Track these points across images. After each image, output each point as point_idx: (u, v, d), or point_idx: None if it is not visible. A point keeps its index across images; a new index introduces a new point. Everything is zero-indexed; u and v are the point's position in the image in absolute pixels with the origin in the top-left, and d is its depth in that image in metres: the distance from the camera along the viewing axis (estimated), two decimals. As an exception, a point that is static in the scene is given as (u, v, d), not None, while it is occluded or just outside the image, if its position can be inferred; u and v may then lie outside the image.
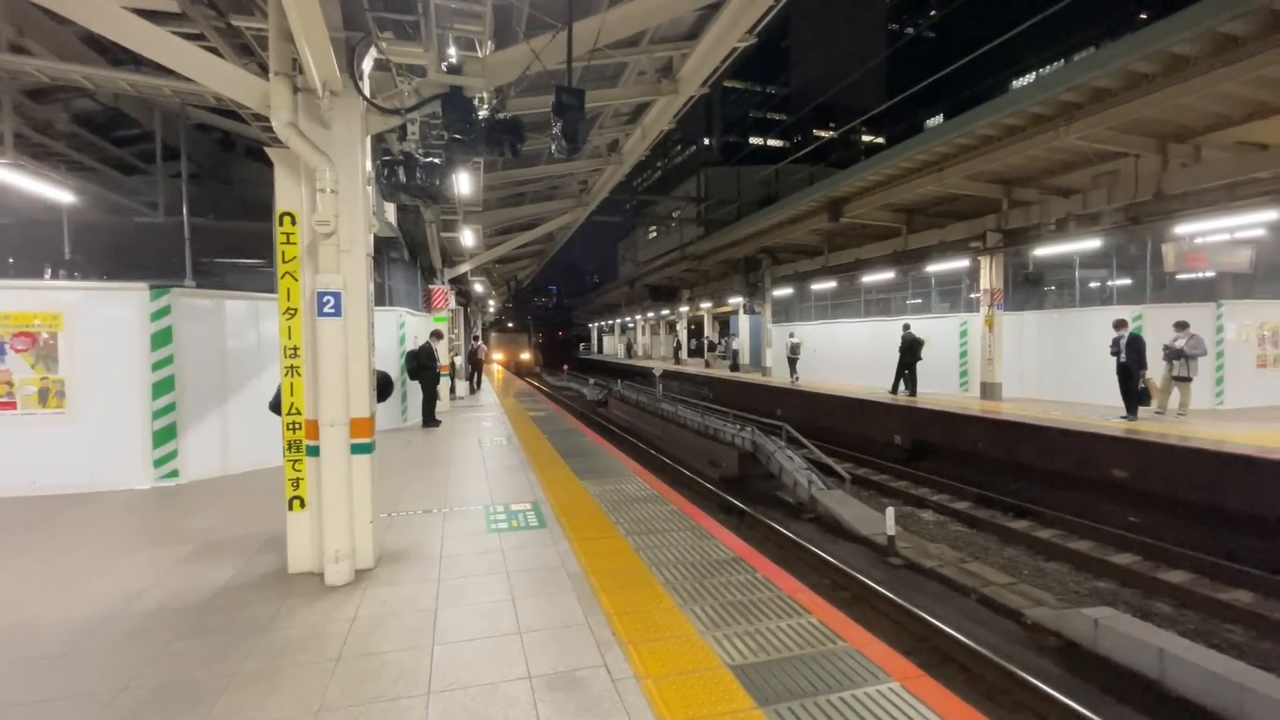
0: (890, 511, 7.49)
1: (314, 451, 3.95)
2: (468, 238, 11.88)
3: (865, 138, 64.60)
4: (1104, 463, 8.93)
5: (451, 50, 4.20)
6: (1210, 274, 12.11)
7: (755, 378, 21.40)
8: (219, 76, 3.86)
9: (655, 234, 55.44)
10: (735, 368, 24.71)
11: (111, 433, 6.41)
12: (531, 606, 3.53)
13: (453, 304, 15.39)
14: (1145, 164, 9.97)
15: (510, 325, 50.14)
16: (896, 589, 6.23)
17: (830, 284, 18.84)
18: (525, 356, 46.44)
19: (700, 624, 3.27)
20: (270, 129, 3.96)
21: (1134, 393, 10.02)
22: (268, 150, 3.97)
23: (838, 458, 11.73)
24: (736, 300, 24.22)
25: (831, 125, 63.53)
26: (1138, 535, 7.63)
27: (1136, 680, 4.65)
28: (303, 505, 4.02)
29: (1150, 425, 9.44)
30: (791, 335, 19.31)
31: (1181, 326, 10.08)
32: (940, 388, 14.94)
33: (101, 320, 6.46)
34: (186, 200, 7.66)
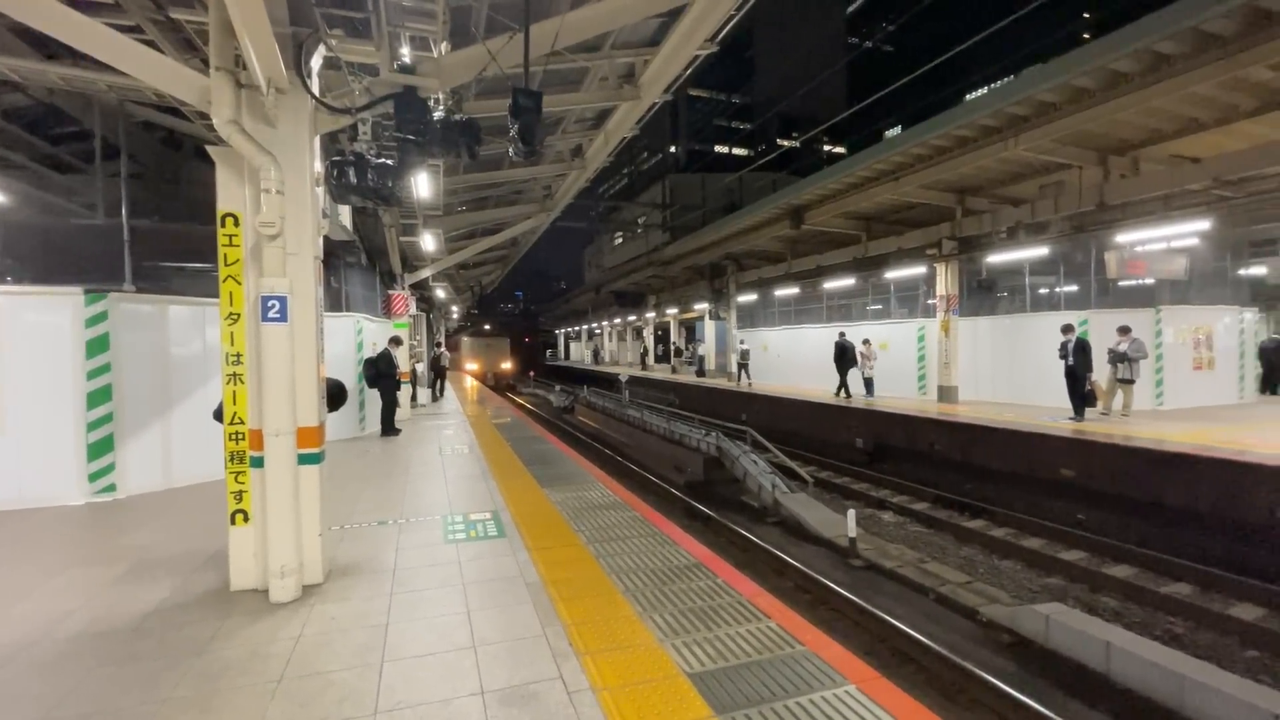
0: (851, 514, 7.59)
1: (258, 463, 3.78)
2: (428, 242, 11.66)
3: (826, 147, 66.05)
4: (1053, 463, 9.23)
5: (405, 49, 4.11)
6: (1150, 281, 12.69)
7: (720, 383, 21.54)
8: (157, 71, 3.69)
9: (621, 240, 55.51)
10: (701, 373, 24.85)
11: (43, 445, 6.05)
12: (488, 619, 3.44)
13: (413, 310, 15.08)
14: (1088, 175, 10.40)
15: (488, 328, 44.69)
16: (858, 590, 6.31)
17: (793, 290, 19.14)
18: (506, 366, 39.78)
19: (660, 632, 3.23)
20: (214, 126, 3.79)
21: (1081, 395, 10.41)
22: (209, 149, 3.81)
23: (801, 461, 11.87)
24: (702, 306, 24.39)
25: (793, 134, 64.76)
26: (1085, 532, 7.90)
27: (1085, 674, 4.79)
28: (246, 519, 3.84)
29: (1096, 426, 9.81)
30: (742, 342, 20.43)
31: (1124, 331, 10.53)
32: (899, 391, 15.28)
33: (32, 326, 6.10)
34: (127, 201, 7.31)
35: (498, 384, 36.10)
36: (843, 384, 15.12)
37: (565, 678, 2.80)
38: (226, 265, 3.80)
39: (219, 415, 4.40)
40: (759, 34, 66.30)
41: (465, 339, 41.09)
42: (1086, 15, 57.19)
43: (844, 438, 13.59)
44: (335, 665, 2.95)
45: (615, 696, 2.65)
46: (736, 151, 66.52)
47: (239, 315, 3.82)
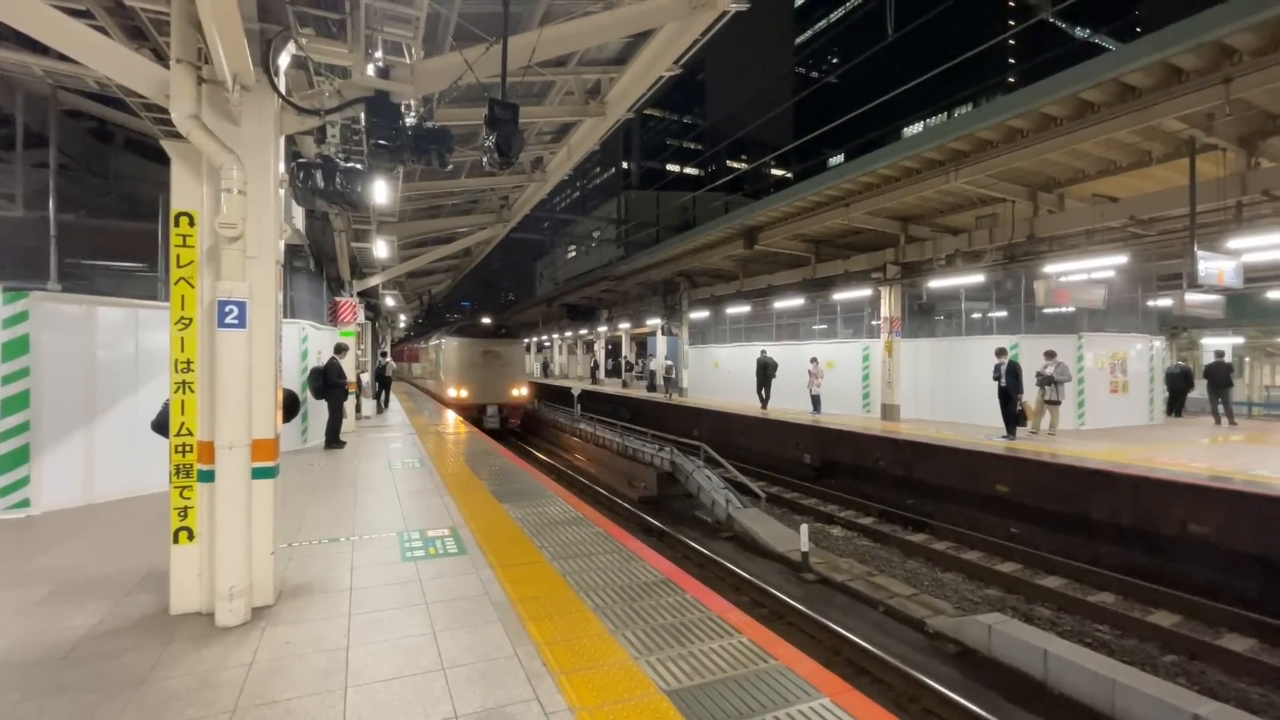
0: (804, 529, 7.77)
1: (207, 476, 3.56)
2: (381, 249, 11.33)
3: (776, 171, 68.24)
4: (988, 479, 9.74)
5: (379, 53, 4.02)
6: (1072, 309, 13.63)
7: (672, 398, 21.70)
8: (109, 59, 3.48)
9: (575, 254, 55.42)
10: (652, 388, 24.97)
11: (-57, 457, 5.50)
12: (455, 639, 3.33)
13: (361, 318, 14.58)
14: (1020, 209, 11.15)
15: (487, 321, 23.48)
16: (812, 604, 6.45)
17: (745, 308, 19.55)
18: (519, 393, 19.68)
19: (633, 649, 3.21)
20: (165, 121, 3.61)
21: (1012, 414, 11.04)
22: (164, 144, 3.61)
23: (752, 476, 12.07)
24: (655, 321, 24.56)
25: (744, 157, 66.64)
26: (1019, 545, 8.35)
27: (1026, 681, 5.04)
28: (191, 537, 3.60)
29: (1026, 444, 10.41)
30: (667, 358, 23.75)
31: (1050, 355, 11.26)
32: (845, 409, 15.79)
33: (-64, 326, 5.56)
34: (54, 194, 6.81)
35: (505, 427, 18.81)
36: (763, 397, 17.08)
37: (541, 699, 2.75)
38: (179, 267, 3.59)
39: (159, 427, 4.14)
40: (711, 59, 68.12)
41: (451, 343, 19.52)
42: (1012, 61, 61.56)
43: (792, 453, 13.91)
44: (294, 692, 2.79)
45: (594, 717, 2.61)
46: (690, 171, 67.83)
47: (191, 320, 3.61)
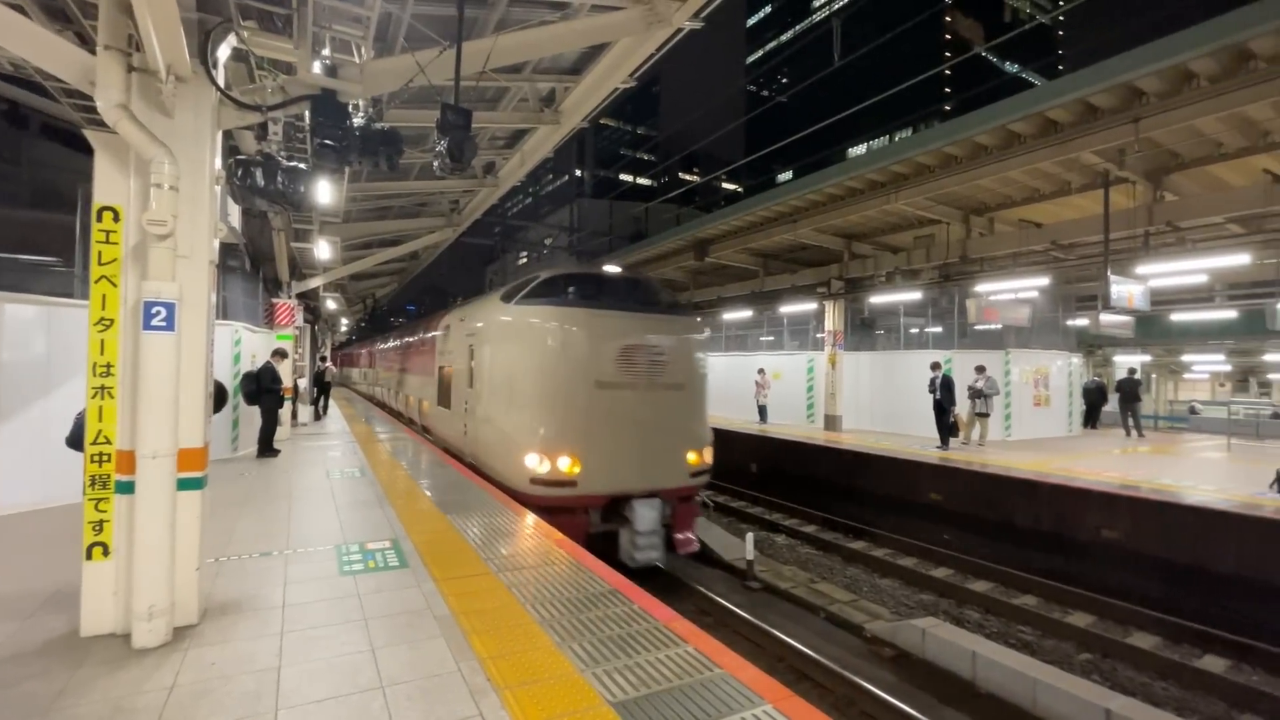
0: (750, 537, 7.90)
1: (126, 488, 3.34)
2: (323, 250, 10.92)
3: (728, 185, 69.64)
4: (923, 487, 10.17)
5: (326, 51, 3.91)
6: (1000, 326, 14.45)
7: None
8: (26, 40, 3.26)
9: (526, 260, 54.93)
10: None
11: None
12: (395, 656, 3.23)
13: (300, 321, 14.00)
14: (954, 231, 11.75)
15: (614, 273, 9.21)
16: (756, 611, 6.56)
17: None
18: (701, 460, 7.58)
19: (580, 661, 3.19)
20: (88, 108, 3.40)
21: (946, 426, 11.58)
22: (87, 133, 3.39)
23: (701, 486, 12.16)
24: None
25: (697, 170, 67.75)
26: (951, 551, 8.74)
27: (956, 682, 5.27)
28: (106, 553, 3.36)
29: (958, 454, 10.93)
30: None
31: (980, 370, 11.89)
32: (790, 419, 16.18)
33: None
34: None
35: (673, 549, 7.40)
36: None
37: (485, 715, 2.69)
38: (101, 264, 3.37)
39: (75, 442, 3.86)
40: (667, 72, 69.14)
41: (524, 322, 7.33)
42: (948, 90, 65.00)
43: (737, 462, 14.14)
44: (220, 717, 2.64)
45: (539, 731, 2.58)
46: (643, 182, 68.43)
47: (112, 321, 3.39)
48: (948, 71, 64.37)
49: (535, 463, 6.67)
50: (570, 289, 7.52)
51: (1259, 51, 6.56)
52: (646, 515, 6.79)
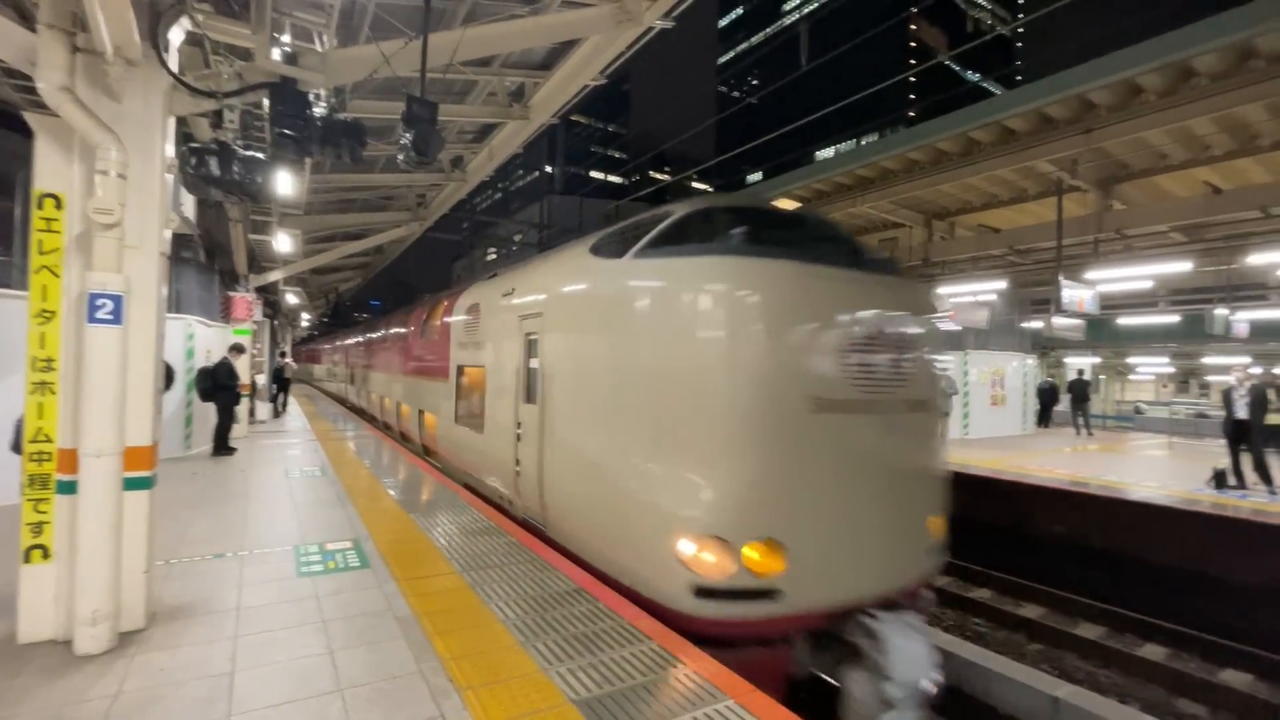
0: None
1: (68, 488, 3.20)
2: (283, 243, 10.61)
3: (698, 185, 70.00)
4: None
5: (286, 38, 3.80)
6: (959, 328, 14.88)
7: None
8: (-41, 16, 3.08)
9: (495, 256, 54.33)
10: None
11: None
12: (354, 658, 3.16)
13: (258, 315, 13.58)
14: (916, 234, 12.06)
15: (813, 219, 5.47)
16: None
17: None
18: (934, 534, 4.42)
19: (544, 660, 3.18)
20: (29, 89, 3.23)
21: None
22: (27, 116, 3.23)
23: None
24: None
25: (667, 169, 67.97)
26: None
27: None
28: (46, 556, 3.22)
29: (920, 452, 11.20)
30: None
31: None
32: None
33: None
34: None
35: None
36: None
37: (447, 716, 2.66)
38: (41, 254, 3.21)
39: (17, 446, 3.67)
40: (639, 71, 69.14)
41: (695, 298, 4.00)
42: (913, 97, 66.57)
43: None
44: (168, 724, 2.56)
45: (501, 731, 2.56)
46: (614, 179, 68.30)
47: (54, 314, 3.24)
48: (913, 79, 65.96)
49: (699, 556, 3.66)
50: (746, 232, 4.06)
51: (1201, 69, 6.89)
52: (906, 649, 3.66)
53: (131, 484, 3.31)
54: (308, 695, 2.81)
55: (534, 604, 3.91)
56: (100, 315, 3.14)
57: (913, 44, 69.59)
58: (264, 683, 2.91)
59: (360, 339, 18.26)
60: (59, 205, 3.26)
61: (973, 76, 69.49)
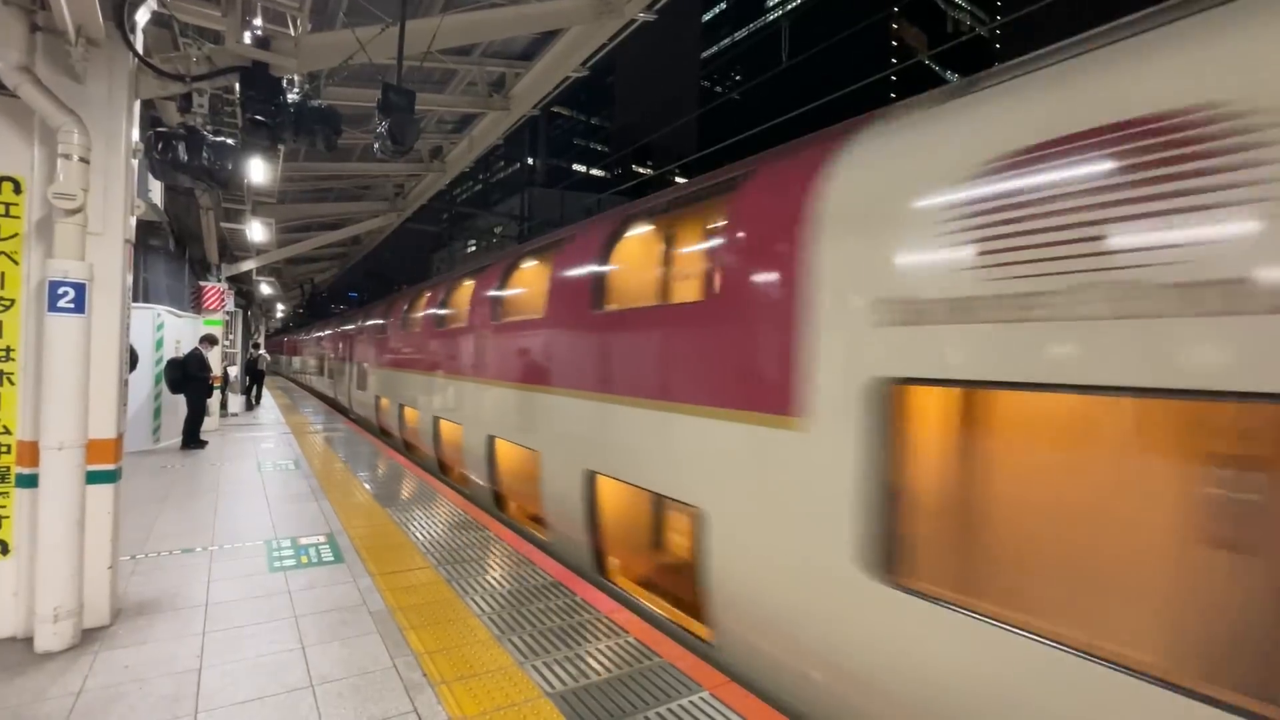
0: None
1: (29, 481, 3.11)
2: (256, 231, 10.39)
3: (680, 179, 70.00)
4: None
5: (257, 21, 3.71)
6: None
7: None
8: (-91, -10, 2.95)
9: (475, 248, 53.83)
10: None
11: None
12: (326, 654, 3.13)
13: (230, 306, 13.30)
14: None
15: None
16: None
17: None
18: None
19: (519, 654, 3.17)
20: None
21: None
22: (-17, 95, 3.11)
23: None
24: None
25: (650, 163, 67.83)
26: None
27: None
28: (5, 551, 3.13)
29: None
30: None
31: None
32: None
33: None
34: None
35: None
36: None
37: (420, 711, 2.65)
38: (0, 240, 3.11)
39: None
40: (622, 63, 68.80)
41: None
42: (893, 95, 67.21)
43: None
44: (133, 722, 2.51)
45: (476, 725, 2.56)
46: (596, 173, 68.02)
47: (13, 302, 3.14)
48: (893, 77, 66.52)
49: None
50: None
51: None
52: None
53: (95, 477, 3.22)
54: (277, 691, 2.77)
55: (510, 598, 3.91)
56: (62, 304, 3.05)
57: (894, 43, 70.22)
58: (232, 679, 2.86)
59: (355, 326, 14.71)
60: (18, 189, 3.15)
61: (951, 76, 70.41)
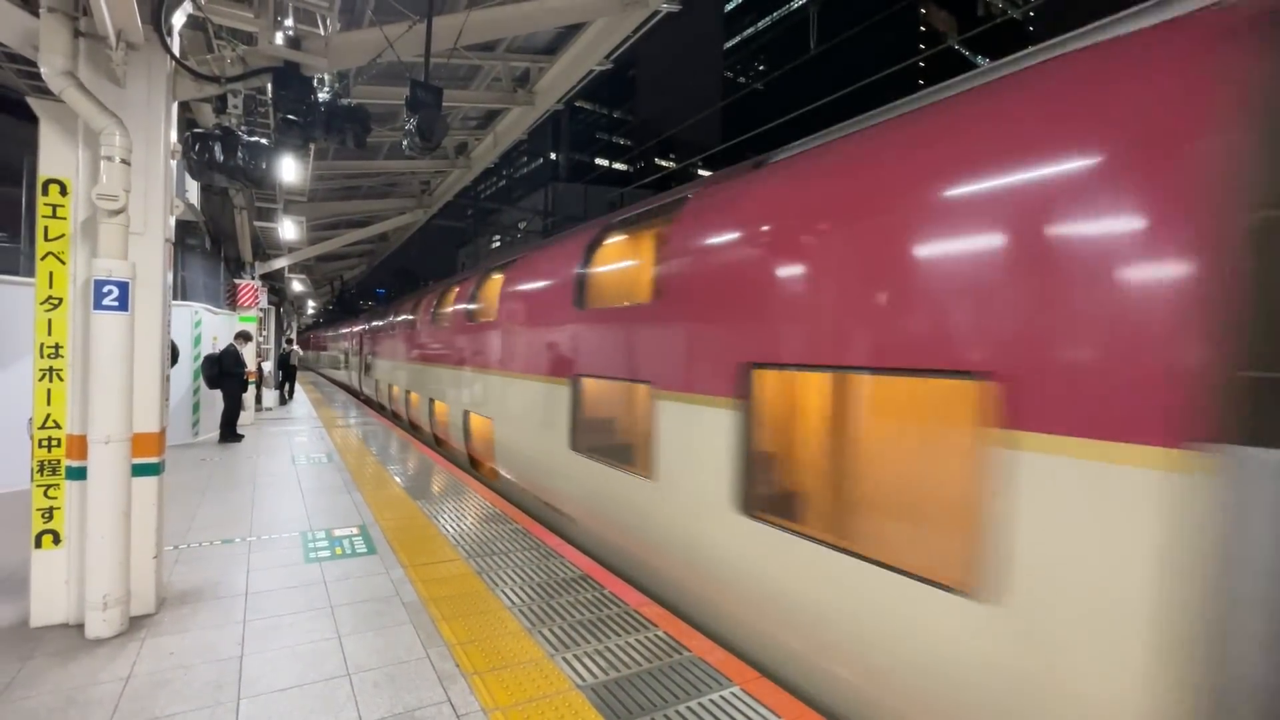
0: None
1: (78, 474, 3.22)
2: (288, 230, 10.60)
3: (703, 172, 69.55)
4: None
5: (289, 21, 3.76)
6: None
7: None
8: (-39, 0, 3.06)
9: (499, 244, 54.26)
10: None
11: None
12: (362, 643, 3.19)
13: (264, 303, 13.62)
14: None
15: None
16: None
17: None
18: None
19: (550, 646, 3.20)
20: (32, 75, 3.22)
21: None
22: (31, 102, 3.21)
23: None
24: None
25: (673, 156, 67.50)
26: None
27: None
28: (57, 541, 3.25)
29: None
30: None
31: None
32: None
33: None
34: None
35: None
36: None
37: (453, 701, 2.68)
38: (47, 240, 3.21)
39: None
40: (644, 55, 68.46)
41: None
42: (921, 82, 65.70)
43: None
44: (179, 707, 2.59)
45: (508, 716, 2.58)
46: (619, 167, 67.93)
47: (61, 300, 3.24)
48: (922, 64, 65.04)
49: None
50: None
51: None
52: None
53: (140, 470, 3.33)
54: (316, 679, 2.84)
55: (540, 590, 3.94)
56: (106, 302, 3.14)
57: (922, 28, 68.61)
58: (272, 667, 2.94)
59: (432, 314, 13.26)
60: (64, 191, 3.25)
61: (981, 61, 68.54)
